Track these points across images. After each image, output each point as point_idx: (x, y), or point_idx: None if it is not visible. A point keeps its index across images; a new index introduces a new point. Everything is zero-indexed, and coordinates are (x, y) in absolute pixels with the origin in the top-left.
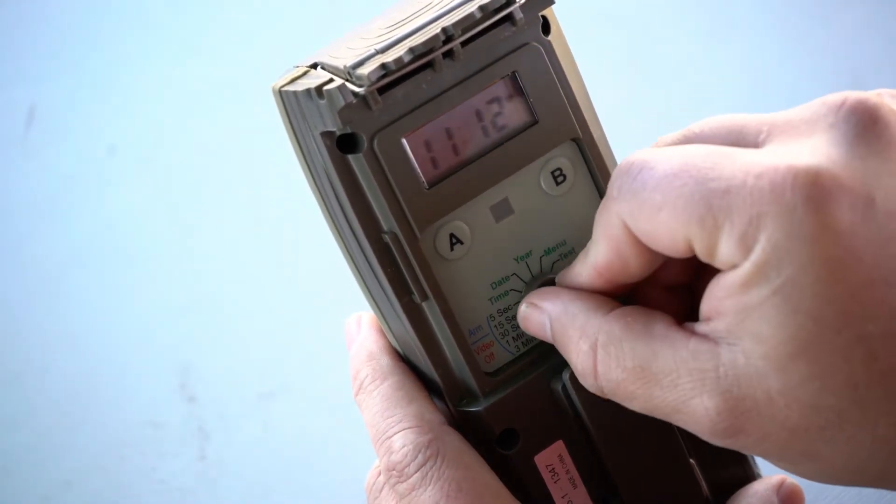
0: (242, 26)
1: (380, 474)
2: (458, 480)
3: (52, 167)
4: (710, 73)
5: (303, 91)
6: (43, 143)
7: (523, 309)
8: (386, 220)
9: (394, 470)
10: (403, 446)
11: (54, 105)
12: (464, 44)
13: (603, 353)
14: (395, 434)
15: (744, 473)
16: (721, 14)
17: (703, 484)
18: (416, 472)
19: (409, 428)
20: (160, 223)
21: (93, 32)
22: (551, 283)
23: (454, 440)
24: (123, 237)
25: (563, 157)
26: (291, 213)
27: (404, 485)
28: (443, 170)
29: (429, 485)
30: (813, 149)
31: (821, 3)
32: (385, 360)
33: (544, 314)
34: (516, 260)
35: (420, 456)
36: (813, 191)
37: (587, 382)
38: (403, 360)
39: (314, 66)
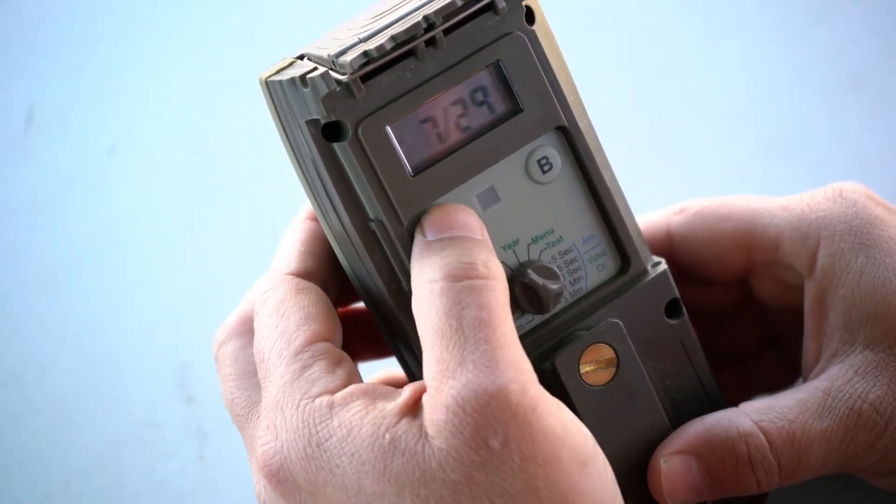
0: (242, 26)
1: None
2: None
3: (52, 167)
4: (709, 72)
5: (287, 80)
6: (43, 143)
7: None
8: (372, 208)
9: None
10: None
11: (54, 105)
12: (447, 32)
13: None
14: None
15: None
16: (720, 14)
17: None
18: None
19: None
20: (160, 223)
21: (93, 32)
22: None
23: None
24: (123, 237)
25: (549, 146)
26: (291, 212)
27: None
28: (428, 157)
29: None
30: None
31: (820, 3)
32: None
33: None
34: (503, 248)
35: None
36: None
37: None
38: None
39: (301, 57)
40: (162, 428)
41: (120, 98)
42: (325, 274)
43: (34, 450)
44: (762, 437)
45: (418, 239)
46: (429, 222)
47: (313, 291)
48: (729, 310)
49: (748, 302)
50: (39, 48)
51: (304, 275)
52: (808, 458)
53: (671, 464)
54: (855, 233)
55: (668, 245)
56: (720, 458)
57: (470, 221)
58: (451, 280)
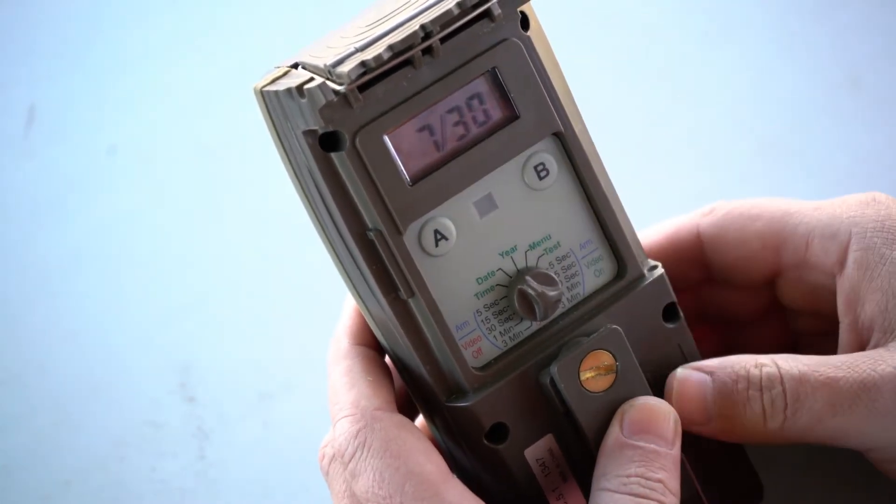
0: (242, 27)
1: (327, 446)
2: (381, 470)
3: (52, 167)
4: (708, 72)
5: (284, 90)
6: (43, 143)
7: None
8: (370, 218)
9: (339, 454)
10: (340, 434)
11: (54, 105)
12: (443, 40)
13: None
14: (337, 421)
15: (736, 469)
16: (720, 14)
17: (695, 479)
18: (349, 460)
19: (345, 416)
20: (160, 223)
21: (93, 32)
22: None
23: (385, 427)
24: (123, 237)
25: (545, 152)
26: (292, 212)
27: (347, 471)
28: (425, 166)
29: (360, 474)
30: None
31: (819, 3)
32: (342, 344)
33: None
34: (501, 255)
35: (350, 447)
36: None
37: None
38: (367, 342)
39: (295, 65)
40: (162, 428)
41: (120, 98)
42: (397, 391)
43: (34, 450)
44: (776, 367)
45: (615, 430)
46: (629, 418)
47: (411, 424)
48: (753, 314)
49: (772, 306)
50: (39, 48)
51: (389, 407)
52: (812, 399)
53: (688, 375)
54: (888, 230)
55: (697, 247)
56: (734, 380)
57: (667, 431)
58: (632, 497)
